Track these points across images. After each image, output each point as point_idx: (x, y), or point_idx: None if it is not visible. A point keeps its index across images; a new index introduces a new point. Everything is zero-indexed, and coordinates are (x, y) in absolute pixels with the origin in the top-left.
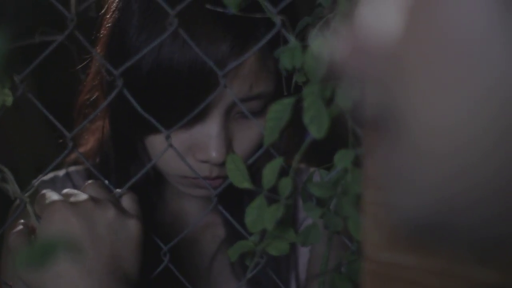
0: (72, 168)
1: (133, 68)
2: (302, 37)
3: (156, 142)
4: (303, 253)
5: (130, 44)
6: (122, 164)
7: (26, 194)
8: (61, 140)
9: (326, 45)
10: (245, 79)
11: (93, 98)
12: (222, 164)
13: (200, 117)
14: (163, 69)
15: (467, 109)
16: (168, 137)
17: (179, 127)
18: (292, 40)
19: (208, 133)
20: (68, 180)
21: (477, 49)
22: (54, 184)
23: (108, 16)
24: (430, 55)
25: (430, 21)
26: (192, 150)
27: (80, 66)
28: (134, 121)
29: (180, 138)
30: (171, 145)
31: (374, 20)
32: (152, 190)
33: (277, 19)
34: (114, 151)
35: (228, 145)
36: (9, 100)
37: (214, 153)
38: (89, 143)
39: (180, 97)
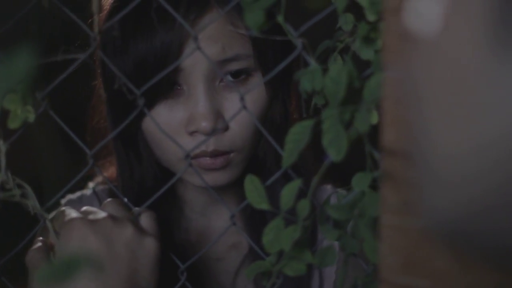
0: (98, 188)
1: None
2: (322, 60)
3: (150, 129)
4: (329, 274)
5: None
6: (127, 163)
7: (52, 214)
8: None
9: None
10: (214, 40)
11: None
12: (216, 136)
13: (183, 90)
14: (131, 62)
15: (480, 138)
16: (187, 154)
17: (168, 105)
18: (313, 63)
19: (193, 103)
20: (95, 199)
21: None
22: (81, 203)
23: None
24: (445, 89)
25: (443, 57)
26: (183, 125)
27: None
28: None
29: (171, 116)
30: (189, 159)
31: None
32: (172, 206)
33: (298, 42)
34: (115, 148)
35: (217, 114)
36: (31, 117)
37: (203, 121)
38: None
39: (154, 75)
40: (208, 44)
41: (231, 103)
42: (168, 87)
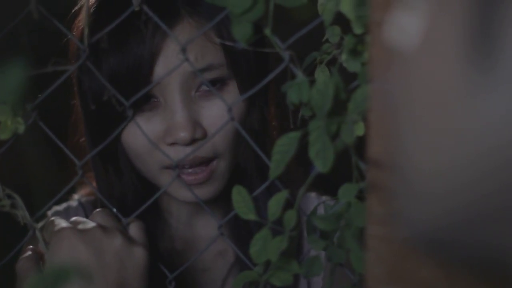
0: (84, 199)
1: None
2: (309, 72)
3: (129, 141)
4: (317, 283)
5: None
6: (106, 180)
7: (40, 224)
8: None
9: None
10: (186, 50)
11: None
12: (196, 143)
13: (159, 102)
14: (105, 77)
15: (457, 153)
16: (175, 165)
17: (145, 118)
18: (300, 75)
19: (170, 114)
20: (81, 210)
21: (453, 101)
22: (67, 214)
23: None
24: (422, 104)
25: (420, 71)
26: (161, 137)
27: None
28: (109, 122)
29: (149, 128)
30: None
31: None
32: (157, 217)
33: (285, 54)
34: (94, 165)
35: (195, 124)
36: (21, 128)
37: (181, 132)
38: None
39: (127, 88)
40: (181, 55)
41: (208, 111)
42: (145, 100)
